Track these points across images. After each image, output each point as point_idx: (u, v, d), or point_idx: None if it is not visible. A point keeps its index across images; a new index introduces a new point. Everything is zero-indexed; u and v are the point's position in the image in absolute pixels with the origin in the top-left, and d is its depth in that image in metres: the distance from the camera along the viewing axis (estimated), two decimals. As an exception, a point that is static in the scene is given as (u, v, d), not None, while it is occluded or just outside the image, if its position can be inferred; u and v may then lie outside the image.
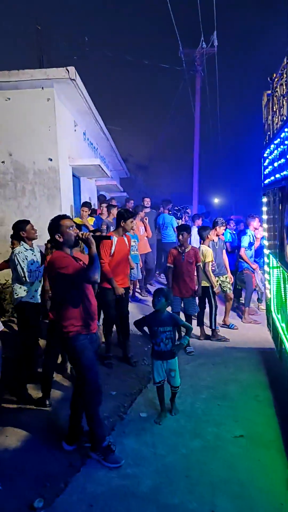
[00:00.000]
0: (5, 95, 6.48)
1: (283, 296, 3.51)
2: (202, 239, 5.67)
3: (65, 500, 2.48)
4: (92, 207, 7.40)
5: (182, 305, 5.17)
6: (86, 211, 6.60)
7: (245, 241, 6.33)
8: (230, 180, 25.65)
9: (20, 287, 3.85)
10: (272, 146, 3.95)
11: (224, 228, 6.15)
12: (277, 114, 3.83)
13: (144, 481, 2.63)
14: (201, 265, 5.28)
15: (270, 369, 4.38)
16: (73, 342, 2.76)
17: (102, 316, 4.60)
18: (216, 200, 26.56)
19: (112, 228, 6.67)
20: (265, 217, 4.72)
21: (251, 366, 4.53)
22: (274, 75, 3.89)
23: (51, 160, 6.56)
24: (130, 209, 8.81)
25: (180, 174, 23.27)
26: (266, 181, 4.46)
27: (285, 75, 3.45)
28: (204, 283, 5.38)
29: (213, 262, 5.65)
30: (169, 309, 3.73)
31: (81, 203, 7.43)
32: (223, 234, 6.22)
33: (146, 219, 7.61)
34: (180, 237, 5.11)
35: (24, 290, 3.86)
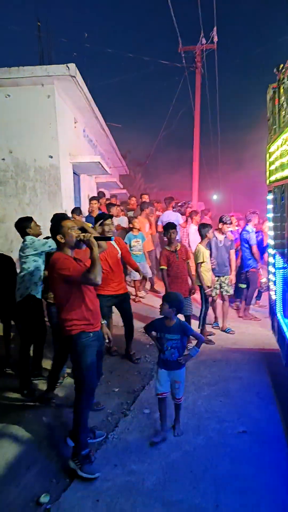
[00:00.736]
0: (6, 92, 6.46)
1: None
2: (201, 237, 5.51)
3: (71, 496, 2.51)
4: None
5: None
6: (95, 203, 6.59)
7: (253, 238, 6.25)
8: (230, 176, 25.69)
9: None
10: (280, 140, 3.69)
11: (229, 226, 5.92)
12: (284, 107, 3.62)
13: (148, 477, 2.66)
14: (192, 264, 5.16)
15: (270, 367, 4.41)
16: (75, 340, 2.77)
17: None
18: (215, 197, 26.55)
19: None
20: (270, 215, 4.51)
21: (252, 364, 4.56)
22: (282, 66, 3.71)
23: (51, 157, 6.55)
24: (132, 206, 8.82)
25: (179, 171, 23.29)
26: (272, 178, 4.23)
27: None
28: (198, 283, 5.30)
29: (213, 260, 5.60)
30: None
31: (89, 198, 7.41)
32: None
33: (151, 217, 7.58)
34: (169, 235, 4.95)
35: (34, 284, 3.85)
